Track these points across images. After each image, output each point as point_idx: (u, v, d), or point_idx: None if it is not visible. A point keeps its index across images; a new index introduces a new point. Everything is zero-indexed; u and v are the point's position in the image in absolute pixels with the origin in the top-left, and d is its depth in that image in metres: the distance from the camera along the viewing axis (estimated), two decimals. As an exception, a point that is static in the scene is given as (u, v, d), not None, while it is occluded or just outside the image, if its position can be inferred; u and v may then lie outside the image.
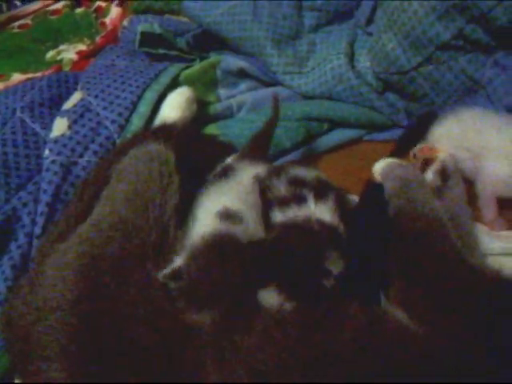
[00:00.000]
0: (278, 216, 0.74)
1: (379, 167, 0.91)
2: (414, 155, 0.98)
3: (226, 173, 0.85)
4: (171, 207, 0.75)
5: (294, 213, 0.73)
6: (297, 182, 0.76)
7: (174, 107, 1.02)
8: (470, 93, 0.98)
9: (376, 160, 1.09)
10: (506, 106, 0.96)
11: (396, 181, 0.87)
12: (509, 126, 0.92)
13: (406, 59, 0.99)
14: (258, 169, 0.84)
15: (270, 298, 0.65)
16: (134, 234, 0.70)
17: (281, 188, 0.76)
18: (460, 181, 0.93)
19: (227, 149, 1.03)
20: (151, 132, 0.96)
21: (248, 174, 0.83)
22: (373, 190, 0.89)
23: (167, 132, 0.96)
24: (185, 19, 1.25)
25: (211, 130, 1.05)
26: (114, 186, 0.79)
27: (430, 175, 0.95)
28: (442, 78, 0.97)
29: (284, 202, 0.74)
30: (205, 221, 0.74)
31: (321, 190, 0.75)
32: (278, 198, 0.75)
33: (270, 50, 1.13)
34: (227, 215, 0.75)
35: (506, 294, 0.72)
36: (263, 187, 0.78)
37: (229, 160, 0.93)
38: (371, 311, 0.68)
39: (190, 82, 1.09)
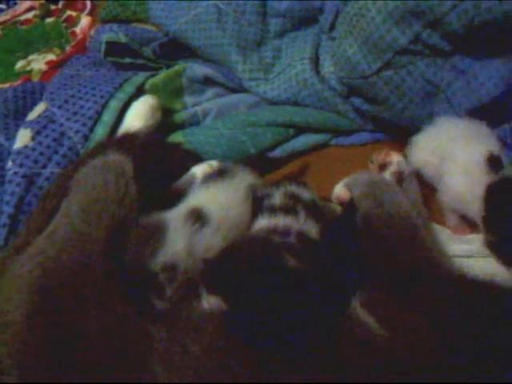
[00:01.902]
0: (262, 222, 0.78)
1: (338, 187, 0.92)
2: (372, 161, 0.98)
3: (222, 175, 0.86)
4: (127, 217, 0.74)
5: (278, 221, 0.76)
6: (293, 197, 0.80)
7: (137, 116, 1.02)
8: (430, 97, 0.98)
9: (343, 164, 1.10)
10: (465, 110, 0.96)
11: (363, 185, 0.88)
12: (477, 141, 0.92)
13: (366, 64, 1.00)
14: (253, 179, 0.87)
15: (215, 304, 0.64)
16: (86, 246, 0.69)
17: (276, 197, 0.80)
18: (415, 183, 0.94)
19: (192, 157, 1.03)
20: (113, 141, 0.96)
21: (244, 181, 0.85)
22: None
23: (129, 141, 0.96)
24: (152, 28, 1.25)
25: (176, 137, 1.05)
26: (72, 197, 0.79)
27: (386, 177, 0.95)
28: (402, 83, 0.98)
29: (274, 210, 0.78)
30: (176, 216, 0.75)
31: (313, 211, 0.79)
32: (270, 205, 0.79)
33: (235, 56, 1.14)
34: (195, 215, 0.76)
35: (474, 296, 0.72)
36: (260, 195, 0.82)
37: (195, 170, 0.93)
38: (337, 314, 0.68)
39: (155, 90, 1.09)
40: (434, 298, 0.70)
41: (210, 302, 0.66)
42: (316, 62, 1.12)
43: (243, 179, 0.86)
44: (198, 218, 0.74)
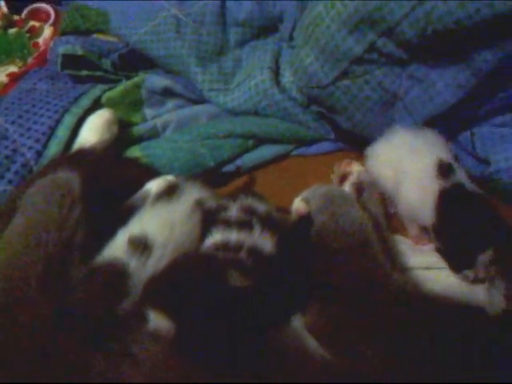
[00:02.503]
0: (216, 236, 0.76)
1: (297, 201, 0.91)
2: (333, 171, 0.97)
3: (169, 193, 0.85)
4: (70, 240, 0.72)
5: (232, 236, 0.75)
6: (248, 211, 0.79)
7: (92, 130, 1.00)
8: (388, 106, 0.97)
9: (305, 174, 1.08)
10: (423, 118, 0.95)
11: (320, 199, 0.87)
12: (427, 150, 0.92)
13: (323, 74, 0.98)
14: (203, 194, 0.85)
15: (159, 321, 0.63)
16: (25, 271, 0.67)
17: (232, 211, 0.79)
18: (376, 194, 0.92)
19: (148, 172, 1.01)
20: (65, 158, 0.93)
21: (192, 197, 0.84)
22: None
23: (81, 157, 0.94)
24: (113, 39, 1.22)
25: (134, 152, 1.03)
26: (16, 218, 0.77)
27: (346, 188, 0.95)
28: (359, 92, 0.96)
29: (229, 224, 0.77)
30: (116, 244, 0.74)
31: (269, 225, 0.78)
32: (225, 219, 0.78)
33: (195, 67, 1.12)
34: (135, 243, 0.74)
35: (423, 314, 0.70)
36: (214, 208, 0.81)
37: (149, 186, 0.92)
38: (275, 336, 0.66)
39: (112, 103, 1.07)
40: (381, 318, 0.68)
41: (155, 322, 0.63)
42: (276, 71, 1.10)
43: (191, 195, 0.84)
44: (142, 246, 0.72)
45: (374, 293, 0.73)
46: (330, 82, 0.98)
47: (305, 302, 0.73)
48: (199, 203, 0.84)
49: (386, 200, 0.96)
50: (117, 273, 0.70)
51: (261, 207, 0.83)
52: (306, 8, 1.04)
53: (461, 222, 0.84)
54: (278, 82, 1.09)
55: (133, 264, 0.71)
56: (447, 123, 1.00)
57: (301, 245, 0.83)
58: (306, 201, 0.88)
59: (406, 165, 0.91)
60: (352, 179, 0.94)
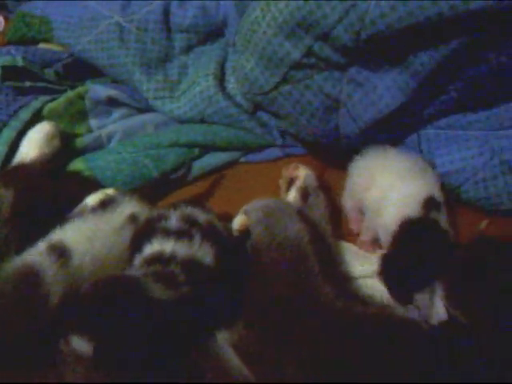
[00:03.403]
0: (154, 247, 0.74)
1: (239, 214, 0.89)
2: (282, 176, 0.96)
3: (104, 206, 0.85)
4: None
5: (168, 247, 0.74)
6: (189, 220, 0.78)
7: (32, 145, 0.98)
8: (331, 111, 0.96)
9: (254, 181, 1.06)
10: (366, 123, 0.93)
11: (258, 212, 0.86)
12: (418, 177, 0.90)
13: (264, 80, 0.96)
14: (137, 207, 0.85)
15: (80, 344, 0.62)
16: None
17: (173, 220, 0.77)
18: (321, 198, 0.91)
19: (91, 185, 0.99)
20: (0, 175, 0.91)
21: (124, 211, 0.84)
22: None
23: (18, 174, 0.91)
24: (58, 48, 1.20)
25: (77, 164, 1.01)
26: None
27: (292, 193, 0.94)
28: (301, 97, 0.95)
29: (168, 234, 0.76)
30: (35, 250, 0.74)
31: (209, 235, 0.77)
32: (165, 228, 0.77)
33: (139, 75, 1.10)
34: (51, 248, 0.74)
35: (354, 329, 0.69)
36: (154, 217, 0.79)
37: (88, 199, 0.90)
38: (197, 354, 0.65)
39: (55, 115, 1.05)
40: (308, 334, 0.67)
41: (77, 343, 0.62)
42: (222, 77, 1.08)
43: (126, 209, 0.84)
44: (58, 252, 0.72)
45: (304, 307, 0.71)
46: (272, 87, 0.96)
47: (234, 316, 0.71)
48: (133, 218, 0.82)
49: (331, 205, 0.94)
50: (28, 276, 0.69)
51: (202, 216, 0.81)
52: (245, 12, 1.01)
53: (412, 260, 0.81)
54: (223, 89, 1.07)
55: (47, 269, 0.70)
56: (393, 126, 0.98)
57: (240, 257, 0.82)
58: (247, 214, 0.86)
59: (394, 190, 0.88)
60: (298, 183, 0.92)
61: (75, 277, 0.72)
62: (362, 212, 0.93)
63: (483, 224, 0.97)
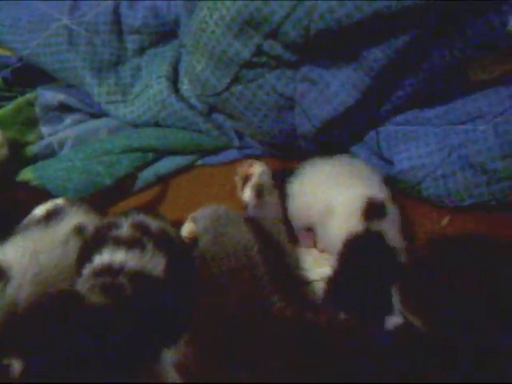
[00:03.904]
0: (105, 257, 0.72)
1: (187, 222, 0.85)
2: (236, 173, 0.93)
3: (49, 218, 0.82)
4: None
5: (117, 257, 0.71)
6: (140, 228, 0.75)
7: (-25, 155, 0.93)
8: (286, 110, 0.93)
9: (211, 184, 1.03)
10: (321, 122, 0.90)
11: (206, 220, 0.82)
12: (357, 184, 0.85)
13: (215, 80, 0.93)
14: (84, 217, 0.82)
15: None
16: None
17: (124, 228, 0.75)
18: (276, 195, 0.87)
19: (41, 195, 0.95)
20: None
21: (70, 222, 0.81)
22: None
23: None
24: (6, 53, 1.15)
25: (26, 174, 0.98)
26: None
27: (247, 191, 0.90)
28: (253, 97, 0.92)
29: (119, 243, 0.73)
30: None
31: (161, 243, 0.75)
32: (116, 237, 0.74)
33: (90, 79, 1.06)
34: None
35: (303, 339, 0.67)
36: (105, 225, 0.77)
37: (37, 210, 0.86)
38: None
39: (3, 122, 1.00)
40: (255, 348, 0.63)
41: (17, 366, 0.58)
42: (175, 79, 1.04)
43: (72, 220, 0.81)
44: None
45: (251, 321, 0.68)
46: (224, 88, 0.93)
47: (179, 332, 0.67)
48: (79, 228, 0.78)
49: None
50: None
51: (154, 224, 0.79)
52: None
53: (357, 281, 0.76)
54: (177, 91, 1.04)
55: None
56: (350, 123, 0.95)
57: (190, 267, 0.78)
58: (194, 221, 0.83)
59: (335, 200, 0.83)
60: (253, 181, 0.88)
61: (15, 297, 0.69)
62: (311, 229, 0.88)
63: (445, 221, 0.95)
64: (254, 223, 0.82)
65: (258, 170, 0.90)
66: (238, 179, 0.94)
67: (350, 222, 0.80)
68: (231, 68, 0.90)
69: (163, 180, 1.04)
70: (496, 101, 0.90)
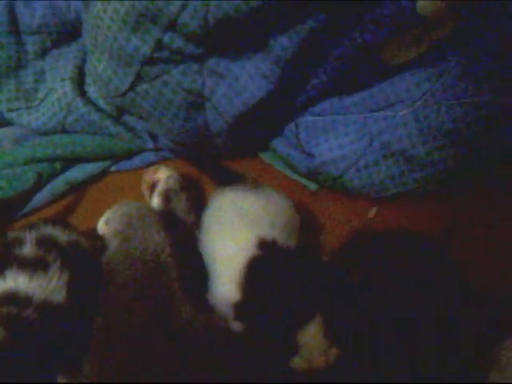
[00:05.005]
0: (8, 282, 0.66)
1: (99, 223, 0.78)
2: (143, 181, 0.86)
3: None
4: None
5: (26, 283, 0.66)
6: (47, 243, 0.70)
7: None
8: (196, 108, 0.86)
9: (127, 190, 0.97)
10: (233, 117, 0.85)
11: (117, 219, 0.77)
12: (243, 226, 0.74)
13: (118, 80, 0.86)
14: None
15: None
16: None
17: (27, 245, 0.69)
18: (184, 199, 0.83)
19: None
20: None
21: None
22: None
23: None
24: None
25: None
26: None
27: (155, 198, 0.86)
28: (160, 96, 0.85)
29: (23, 265, 0.67)
30: None
31: (70, 258, 0.70)
32: (19, 257, 0.68)
33: (-12, 86, 0.96)
34: None
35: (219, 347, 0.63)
36: (9, 240, 0.71)
37: None
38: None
39: None
40: (167, 362, 0.58)
41: None
42: (81, 81, 0.96)
43: None
44: None
45: (160, 332, 0.62)
46: (127, 88, 0.86)
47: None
48: None
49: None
50: None
51: (62, 236, 0.73)
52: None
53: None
54: (83, 94, 0.96)
55: None
56: (267, 117, 0.90)
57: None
58: (107, 222, 0.76)
59: (221, 246, 0.74)
60: (160, 187, 0.82)
61: None
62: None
63: (372, 212, 0.91)
64: (167, 222, 0.77)
65: (163, 175, 0.85)
66: (144, 187, 0.88)
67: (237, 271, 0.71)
68: (132, 66, 0.84)
69: (75, 190, 0.95)
70: (413, 85, 0.86)
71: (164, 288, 0.67)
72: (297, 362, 0.65)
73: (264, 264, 0.68)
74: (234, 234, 0.71)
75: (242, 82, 0.84)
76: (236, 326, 0.67)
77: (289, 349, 0.65)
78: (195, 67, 0.85)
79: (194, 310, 0.65)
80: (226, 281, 0.70)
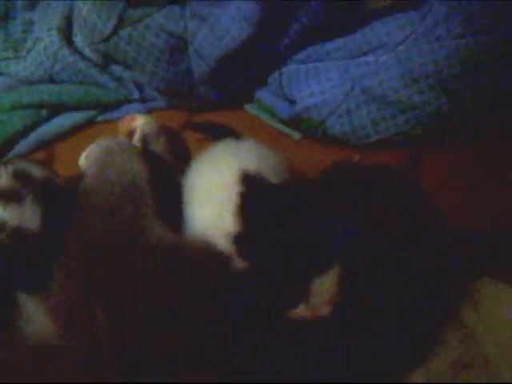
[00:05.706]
0: None
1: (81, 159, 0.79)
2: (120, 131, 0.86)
3: None
4: None
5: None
6: (21, 177, 0.70)
7: None
8: (179, 52, 0.87)
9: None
10: (215, 60, 0.85)
11: (97, 152, 0.78)
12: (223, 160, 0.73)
13: (102, 23, 0.87)
14: None
15: None
16: None
17: (2, 179, 0.70)
18: (163, 143, 0.85)
19: None
20: None
21: None
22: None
23: None
24: None
25: None
26: None
27: None
28: (143, 40, 0.86)
29: None
30: None
31: (41, 193, 0.70)
32: None
33: (-23, 36, 0.97)
34: None
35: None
36: None
37: None
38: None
39: None
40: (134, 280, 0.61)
41: None
42: (69, 31, 0.97)
43: None
44: None
45: (130, 251, 0.62)
46: (111, 31, 0.87)
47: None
48: None
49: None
50: None
51: (38, 172, 0.73)
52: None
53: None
54: (70, 43, 0.96)
55: None
56: (250, 64, 0.90)
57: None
58: (87, 157, 0.77)
59: (198, 182, 0.74)
60: (138, 134, 0.83)
61: None
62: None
63: (355, 159, 0.91)
64: (147, 155, 0.77)
65: (139, 122, 0.85)
66: (121, 136, 0.88)
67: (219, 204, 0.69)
68: (116, 7, 0.85)
69: (61, 138, 0.96)
70: (395, 29, 0.86)
71: (138, 209, 0.67)
72: (300, 310, 0.62)
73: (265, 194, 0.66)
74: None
75: (223, 25, 0.84)
76: (239, 263, 0.64)
77: (297, 294, 0.62)
78: (177, 10, 0.86)
79: (166, 228, 0.65)
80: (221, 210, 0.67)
